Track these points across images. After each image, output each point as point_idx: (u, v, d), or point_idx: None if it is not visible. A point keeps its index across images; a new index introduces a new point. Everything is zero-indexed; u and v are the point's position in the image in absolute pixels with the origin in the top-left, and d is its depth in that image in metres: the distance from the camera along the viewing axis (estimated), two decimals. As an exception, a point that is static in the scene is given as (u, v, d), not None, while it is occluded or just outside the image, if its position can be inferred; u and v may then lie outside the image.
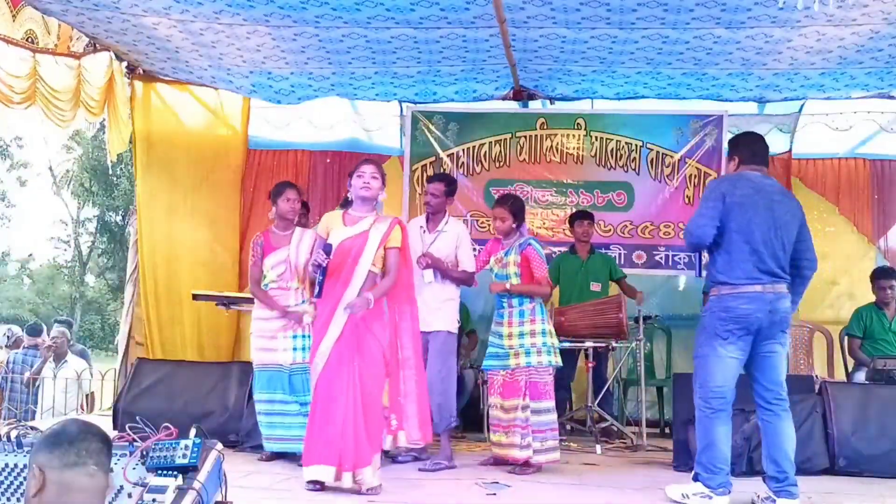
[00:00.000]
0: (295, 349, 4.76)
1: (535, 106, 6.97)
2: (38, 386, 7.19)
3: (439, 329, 4.84)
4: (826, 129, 6.89)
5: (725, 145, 5.88)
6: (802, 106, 6.67)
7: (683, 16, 4.84)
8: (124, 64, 6.18)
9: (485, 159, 6.94)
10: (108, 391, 6.94)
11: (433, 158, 6.94)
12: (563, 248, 6.52)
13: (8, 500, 2.15)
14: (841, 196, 6.92)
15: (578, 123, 6.85)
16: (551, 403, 4.69)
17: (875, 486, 4.35)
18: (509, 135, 6.91)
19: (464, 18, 4.97)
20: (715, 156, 6.51)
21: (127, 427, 2.26)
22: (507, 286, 4.70)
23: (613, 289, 6.26)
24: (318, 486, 3.88)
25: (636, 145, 6.76)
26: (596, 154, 6.81)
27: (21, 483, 2.15)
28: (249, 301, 5.12)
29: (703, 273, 4.02)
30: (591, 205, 6.71)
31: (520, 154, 6.90)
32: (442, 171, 6.83)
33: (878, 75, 5.75)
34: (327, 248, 3.96)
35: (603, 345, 5.56)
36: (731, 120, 6.66)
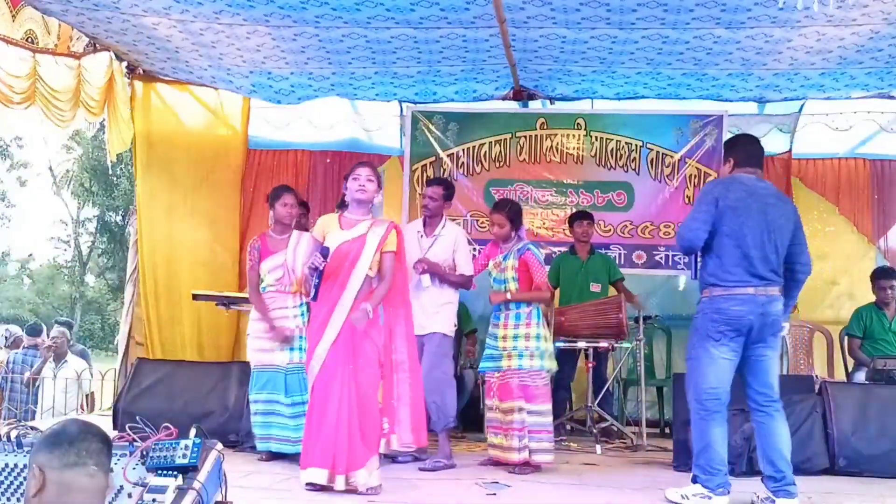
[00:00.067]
0: (291, 349, 4.77)
1: (535, 106, 6.97)
2: (38, 386, 7.19)
3: (434, 331, 4.86)
4: (826, 129, 6.89)
5: (725, 146, 5.89)
6: (802, 106, 6.67)
7: (683, 16, 4.84)
8: (124, 64, 6.18)
9: (485, 159, 6.94)
10: (108, 391, 6.94)
11: (433, 158, 6.94)
12: (563, 249, 6.52)
13: (8, 500, 2.15)
14: (841, 196, 6.92)
15: (578, 123, 6.85)
16: (546, 406, 4.68)
17: (875, 486, 4.35)
18: (509, 135, 6.91)
19: (464, 18, 4.97)
20: (715, 156, 6.51)
21: (127, 427, 2.26)
22: (508, 296, 4.72)
23: (613, 290, 6.25)
24: (318, 487, 3.88)
25: (636, 145, 6.77)
26: (596, 154, 6.81)
27: (21, 483, 2.15)
28: (249, 301, 5.12)
29: (699, 275, 4.03)
30: (591, 205, 6.71)
31: (520, 154, 6.90)
32: (442, 171, 6.85)
33: (878, 75, 5.76)
34: (324, 252, 3.97)
35: (603, 345, 5.56)
36: (731, 120, 6.67)
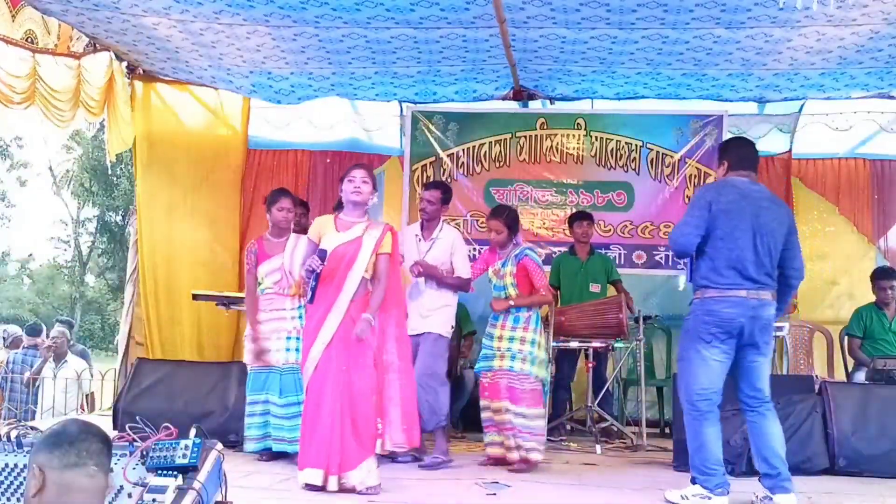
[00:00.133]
0: (288, 350, 4.77)
1: (535, 106, 6.97)
2: (38, 386, 7.19)
3: (430, 331, 4.87)
4: (826, 129, 6.89)
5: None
6: (802, 106, 6.67)
7: (683, 16, 4.84)
8: (124, 64, 6.18)
9: (485, 159, 6.94)
10: (108, 391, 6.94)
11: (433, 158, 6.95)
12: (563, 249, 6.52)
13: (8, 500, 2.15)
14: (841, 196, 6.91)
15: (578, 123, 6.85)
16: (533, 410, 4.68)
17: (875, 486, 4.35)
18: (509, 135, 6.91)
19: (464, 18, 4.97)
20: (715, 156, 6.49)
21: (127, 427, 2.26)
22: (511, 303, 4.74)
23: (612, 290, 6.25)
24: (315, 488, 3.89)
25: (636, 145, 6.77)
26: (596, 154, 6.81)
27: (21, 483, 2.15)
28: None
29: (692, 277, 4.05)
30: (591, 205, 6.71)
31: (520, 154, 6.90)
32: (442, 171, 6.85)
33: (878, 75, 5.75)
34: (322, 254, 3.97)
35: (603, 345, 5.56)
36: (731, 120, 6.67)
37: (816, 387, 4.92)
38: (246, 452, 4.81)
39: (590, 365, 5.67)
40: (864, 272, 6.39)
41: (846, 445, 4.62)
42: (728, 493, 3.76)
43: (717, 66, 5.72)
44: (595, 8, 4.76)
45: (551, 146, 6.87)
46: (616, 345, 5.67)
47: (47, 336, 7.70)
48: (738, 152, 4.05)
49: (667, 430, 6.17)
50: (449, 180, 6.72)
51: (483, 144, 6.93)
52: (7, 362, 7.55)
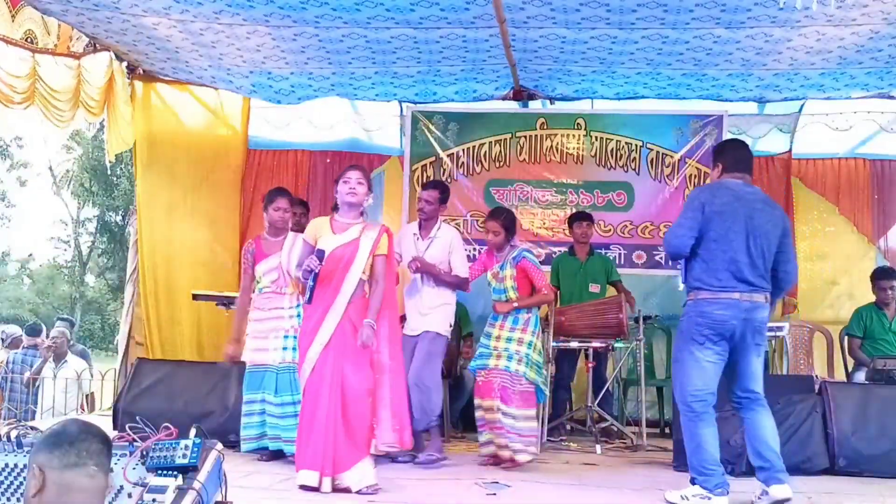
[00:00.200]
0: (285, 349, 4.77)
1: (535, 106, 6.97)
2: (38, 386, 7.19)
3: (428, 329, 4.88)
4: (826, 129, 6.89)
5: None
6: (802, 106, 6.67)
7: (683, 16, 4.84)
8: (124, 64, 6.18)
9: (485, 159, 6.94)
10: (108, 391, 6.94)
11: (433, 158, 6.95)
12: (563, 249, 6.52)
13: (8, 500, 2.15)
14: (841, 196, 6.91)
15: (578, 123, 6.85)
16: (522, 412, 4.70)
17: (875, 486, 4.34)
18: (509, 135, 6.91)
19: (464, 18, 4.97)
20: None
21: (127, 427, 2.26)
22: (515, 304, 4.76)
23: (611, 291, 6.25)
24: (312, 488, 3.89)
25: (636, 145, 6.77)
26: (596, 154, 6.82)
27: (21, 483, 2.15)
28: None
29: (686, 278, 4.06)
30: (591, 205, 6.71)
31: (520, 154, 6.90)
32: (442, 171, 6.85)
33: (878, 75, 5.75)
34: (320, 255, 3.98)
35: (603, 345, 5.56)
36: (731, 120, 6.68)
37: (816, 387, 4.91)
38: (243, 452, 4.81)
39: (590, 365, 5.67)
40: (864, 272, 6.39)
41: (846, 445, 4.62)
42: (728, 493, 3.76)
43: (717, 66, 5.72)
44: (595, 8, 4.76)
45: (551, 146, 6.87)
46: (616, 345, 5.67)
47: (47, 336, 7.70)
48: (733, 154, 4.06)
49: (667, 430, 6.17)
50: (449, 180, 6.73)
51: (483, 144, 6.93)
52: (7, 362, 7.55)
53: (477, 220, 6.80)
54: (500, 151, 6.92)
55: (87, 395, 7.29)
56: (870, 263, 6.59)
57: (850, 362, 6.14)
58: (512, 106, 6.95)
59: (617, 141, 6.79)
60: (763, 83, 6.07)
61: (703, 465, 3.78)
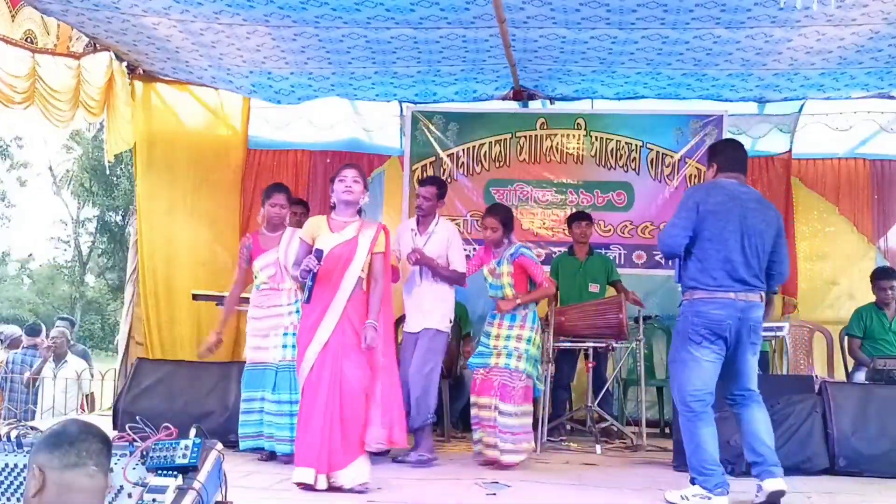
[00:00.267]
0: (285, 346, 4.78)
1: (535, 106, 6.97)
2: (38, 386, 7.19)
3: (428, 327, 4.89)
4: (826, 129, 6.89)
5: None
6: (802, 106, 6.67)
7: (683, 16, 4.84)
8: (124, 64, 6.17)
9: (485, 159, 6.94)
10: (108, 391, 6.94)
11: (433, 158, 6.95)
12: (563, 249, 6.52)
13: (8, 500, 2.15)
14: (841, 196, 6.91)
15: (578, 123, 6.85)
16: (519, 408, 4.71)
17: (875, 486, 4.35)
18: (509, 135, 6.91)
19: (464, 18, 4.97)
20: (710, 157, 6.52)
21: (127, 427, 2.26)
22: (518, 301, 4.78)
23: (611, 290, 6.25)
24: (307, 486, 3.91)
25: (636, 145, 6.77)
26: (596, 154, 6.82)
27: (21, 483, 2.15)
28: (248, 301, 5.13)
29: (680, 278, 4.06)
30: (591, 205, 6.71)
31: (520, 154, 6.90)
32: (442, 171, 6.85)
33: (878, 75, 5.75)
34: (318, 255, 3.98)
35: (603, 345, 5.57)
36: (731, 120, 6.67)
37: (816, 387, 4.92)
38: (241, 451, 4.81)
39: (590, 365, 5.67)
40: (864, 272, 6.39)
41: (846, 445, 4.61)
42: (728, 492, 3.76)
43: (717, 66, 5.72)
44: (595, 8, 4.75)
45: (551, 146, 6.87)
46: (616, 345, 5.67)
47: (47, 336, 7.70)
48: (728, 154, 4.08)
49: (667, 430, 6.17)
50: (449, 180, 6.74)
51: (483, 144, 6.93)
52: (7, 362, 7.55)
53: (477, 221, 6.79)
54: (500, 151, 6.92)
55: (86, 395, 7.29)
56: (870, 263, 6.59)
57: (850, 362, 6.14)
58: (512, 106, 6.95)
59: (617, 141, 6.79)
60: (763, 83, 6.07)
61: (703, 465, 3.78)
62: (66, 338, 7.50)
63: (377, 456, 4.85)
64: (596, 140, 6.82)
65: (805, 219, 6.91)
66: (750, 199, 3.94)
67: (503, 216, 4.91)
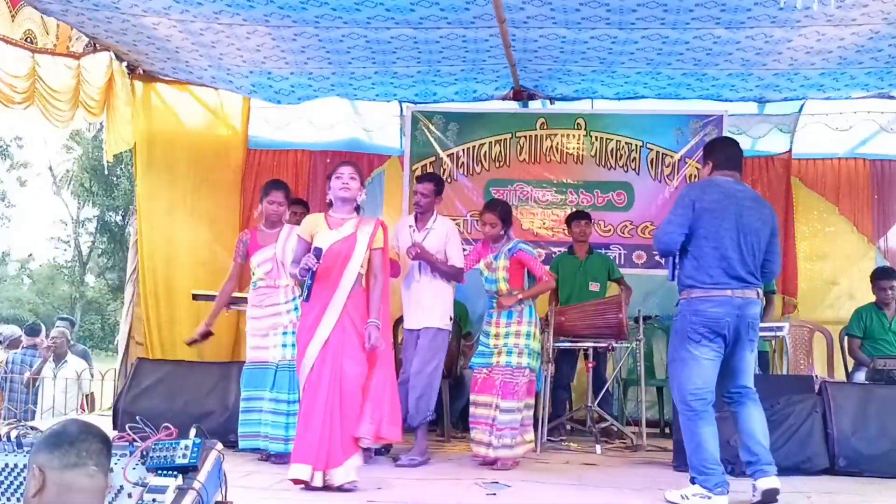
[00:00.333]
0: (284, 346, 4.78)
1: (535, 106, 6.97)
2: (38, 386, 7.19)
3: (429, 326, 4.89)
4: (826, 129, 6.89)
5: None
6: (802, 106, 6.67)
7: (683, 16, 4.84)
8: (124, 64, 6.17)
9: (485, 159, 6.94)
10: (108, 391, 6.93)
11: (433, 158, 6.95)
12: (563, 249, 6.52)
13: (8, 500, 2.15)
14: (841, 196, 6.91)
15: (578, 123, 6.85)
16: (520, 403, 4.73)
17: (875, 486, 4.35)
18: (509, 135, 6.91)
19: (464, 18, 4.97)
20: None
21: (127, 427, 2.26)
22: (519, 296, 4.79)
23: (612, 289, 6.26)
24: (302, 482, 3.91)
25: (636, 145, 6.77)
26: (596, 154, 6.82)
27: (21, 483, 2.15)
28: (247, 300, 5.12)
29: (677, 277, 4.06)
30: (591, 205, 6.71)
31: (520, 154, 6.90)
32: (442, 171, 6.85)
33: (878, 75, 5.75)
34: (317, 252, 3.98)
35: (603, 345, 5.57)
36: (731, 120, 6.67)
37: (816, 387, 4.92)
38: (240, 450, 4.81)
39: (590, 365, 5.67)
40: (864, 272, 6.39)
41: (846, 445, 4.61)
42: (728, 492, 3.76)
43: (717, 66, 5.72)
44: (595, 8, 4.75)
45: (551, 146, 6.87)
46: (616, 344, 5.67)
47: (46, 336, 7.70)
48: (723, 152, 4.08)
49: (667, 430, 6.17)
50: (449, 180, 6.76)
51: (483, 144, 6.93)
52: (6, 362, 7.55)
53: (477, 221, 6.79)
54: (500, 151, 6.92)
55: (86, 395, 7.29)
56: (870, 263, 6.59)
57: (850, 362, 6.15)
58: (512, 106, 6.95)
59: (617, 141, 6.79)
60: (763, 83, 6.06)
61: (704, 465, 3.78)
62: (66, 338, 7.50)
63: (378, 456, 4.87)
64: (596, 140, 6.82)
65: (805, 219, 6.91)
66: (746, 197, 3.95)
67: (502, 211, 4.91)
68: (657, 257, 6.63)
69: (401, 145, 7.15)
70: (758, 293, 3.90)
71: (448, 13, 4.89)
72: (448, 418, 5.96)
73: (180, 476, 2.12)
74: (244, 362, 4.98)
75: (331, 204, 4.22)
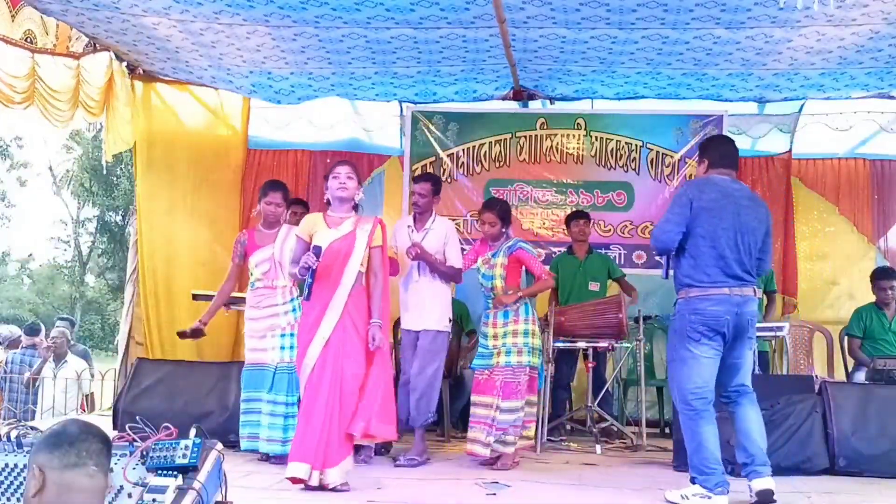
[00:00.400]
0: (283, 348, 4.77)
1: (535, 106, 6.97)
2: (38, 386, 7.19)
3: (429, 328, 4.90)
4: (826, 129, 6.89)
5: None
6: (802, 106, 6.67)
7: (683, 16, 4.84)
8: (124, 64, 6.17)
9: (485, 159, 6.94)
10: (108, 391, 6.93)
11: (433, 158, 6.95)
12: (563, 249, 6.52)
13: (8, 500, 2.15)
14: (841, 196, 6.91)
15: (578, 123, 6.85)
16: (521, 402, 4.73)
17: (875, 486, 4.35)
18: (509, 135, 6.91)
19: (464, 18, 4.97)
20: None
21: (127, 427, 2.26)
22: (520, 293, 4.80)
23: (612, 289, 6.26)
24: (298, 481, 3.91)
25: (636, 145, 6.77)
26: (596, 154, 6.82)
27: (21, 483, 2.15)
28: (245, 302, 5.12)
29: (674, 276, 4.06)
30: (590, 205, 6.71)
31: (520, 154, 6.90)
32: (442, 171, 6.85)
33: (878, 75, 5.75)
34: (317, 251, 3.98)
35: (603, 345, 5.57)
36: (731, 120, 6.67)
37: (816, 387, 4.92)
38: (242, 451, 4.81)
39: (590, 365, 5.67)
40: (864, 272, 6.39)
41: (846, 445, 4.61)
42: (728, 492, 3.76)
43: (717, 66, 5.72)
44: (595, 8, 4.75)
45: (551, 146, 6.87)
46: (616, 344, 5.67)
47: (46, 336, 7.70)
48: (719, 150, 4.08)
49: (667, 430, 6.17)
50: (449, 180, 6.76)
51: (483, 144, 6.93)
52: (6, 362, 7.55)
53: (476, 221, 6.80)
54: (500, 151, 6.92)
55: (86, 395, 7.29)
56: (870, 263, 6.59)
57: (850, 362, 6.15)
58: (512, 106, 6.95)
59: (617, 141, 6.79)
60: (763, 83, 6.07)
61: (704, 464, 3.78)
62: (66, 338, 7.50)
63: (377, 456, 4.87)
64: (596, 140, 6.82)
65: (805, 219, 6.91)
66: (742, 196, 3.96)
67: (500, 210, 4.91)
68: (657, 257, 6.64)
69: (401, 145, 7.15)
70: (755, 290, 3.91)
71: (448, 13, 4.89)
72: (448, 418, 5.96)
73: (180, 476, 2.12)
74: (244, 362, 4.98)
75: (329, 203, 4.23)
